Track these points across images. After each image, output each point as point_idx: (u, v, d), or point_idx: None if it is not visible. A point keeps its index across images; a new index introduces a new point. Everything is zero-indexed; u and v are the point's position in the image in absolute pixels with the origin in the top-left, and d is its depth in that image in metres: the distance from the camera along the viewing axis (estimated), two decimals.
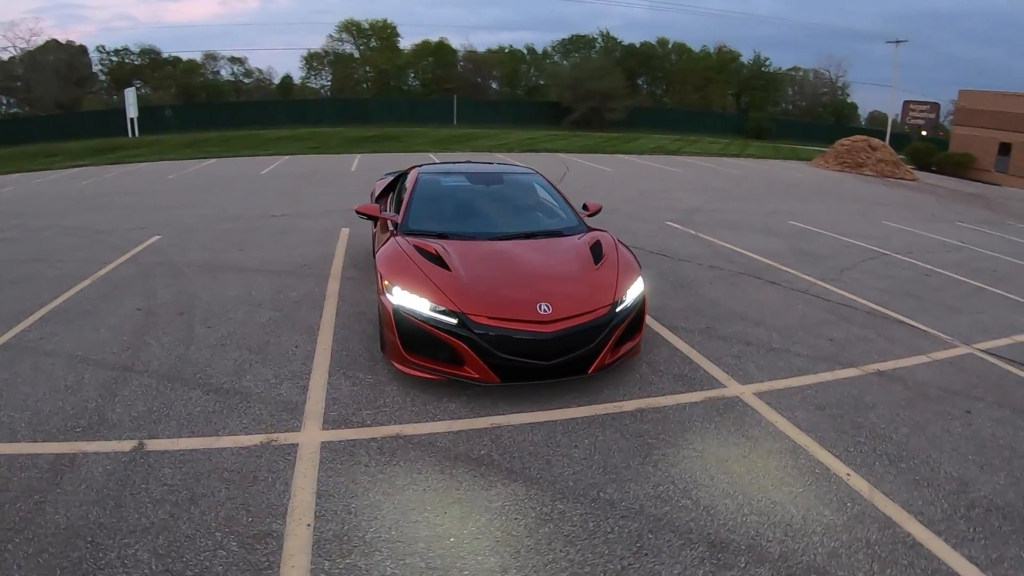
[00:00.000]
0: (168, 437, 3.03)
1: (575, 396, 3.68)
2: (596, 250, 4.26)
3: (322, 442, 3.05)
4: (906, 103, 29.62)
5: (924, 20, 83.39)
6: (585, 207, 5.13)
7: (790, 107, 54.68)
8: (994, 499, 2.97)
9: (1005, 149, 25.99)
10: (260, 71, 51.22)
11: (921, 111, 28.89)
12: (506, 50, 53.87)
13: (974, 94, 28.26)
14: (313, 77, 51.97)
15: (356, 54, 50.86)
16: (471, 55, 51.08)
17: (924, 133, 28.98)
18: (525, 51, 55.15)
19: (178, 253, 6.73)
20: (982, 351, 4.85)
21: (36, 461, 2.82)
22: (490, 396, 3.59)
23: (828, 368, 4.38)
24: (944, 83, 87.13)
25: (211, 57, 48.80)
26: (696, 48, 53.29)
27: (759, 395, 3.91)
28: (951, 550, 2.58)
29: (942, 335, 5.15)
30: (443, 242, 4.11)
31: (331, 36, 49.89)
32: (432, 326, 3.46)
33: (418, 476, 2.84)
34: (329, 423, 3.23)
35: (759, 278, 6.63)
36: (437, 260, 3.83)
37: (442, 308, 3.48)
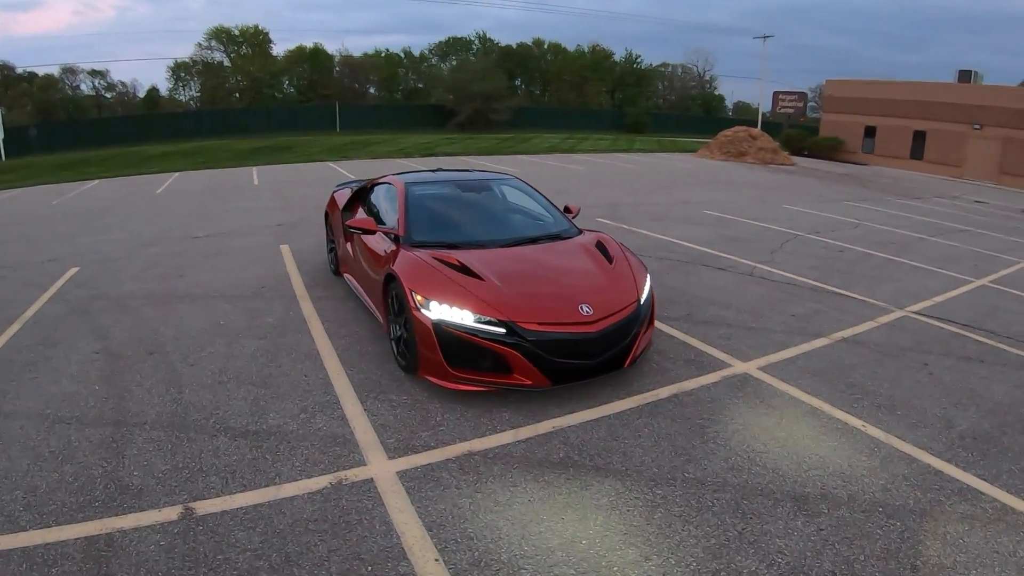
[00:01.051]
0: (217, 496, 2.71)
1: (611, 391, 3.84)
2: (603, 250, 4.47)
3: (397, 472, 2.93)
4: (776, 94, 33.37)
5: (780, 15, 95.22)
6: (567, 209, 5.30)
7: (660, 101, 58.95)
8: (975, 430, 3.61)
9: (870, 132, 30.48)
10: (123, 84, 47.84)
11: (790, 100, 32.74)
12: (383, 54, 53.50)
13: (840, 83, 32.79)
14: (181, 88, 48.91)
15: (227, 62, 48.24)
16: (347, 60, 50.09)
17: (802, 120, 32.81)
18: (402, 54, 55.32)
19: (109, 285, 5.93)
20: (913, 313, 5.75)
21: (64, 551, 2.38)
22: (535, 401, 3.64)
23: (804, 340, 4.95)
24: (801, 72, 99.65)
25: (69, 71, 44.65)
26: (571, 48, 56.29)
27: (763, 370, 4.34)
28: (963, 472, 3.16)
29: (878, 302, 6.01)
30: (457, 252, 4.07)
31: (200, 44, 47.63)
32: (480, 337, 3.44)
33: (516, 489, 2.84)
34: (393, 451, 3.09)
35: (706, 265, 7.24)
36: (464, 270, 3.80)
37: (488, 318, 3.47)
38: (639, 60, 57.33)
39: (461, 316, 3.49)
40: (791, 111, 33.63)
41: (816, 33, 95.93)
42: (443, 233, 4.45)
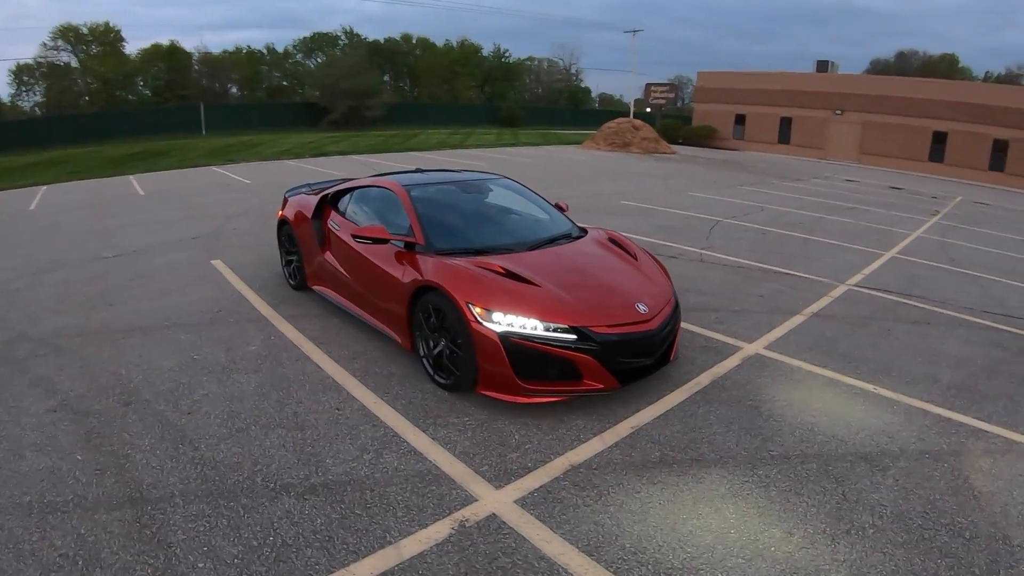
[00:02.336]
0: (330, 572, 2.28)
1: (657, 385, 3.92)
2: (621, 246, 4.52)
3: (515, 501, 2.71)
4: (648, 85, 35.66)
5: (638, 10, 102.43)
6: (559, 207, 5.25)
7: (527, 95, 61.06)
8: (955, 382, 4.26)
9: (740, 119, 33.94)
10: None
11: (662, 92, 35.19)
12: (244, 51, 49.83)
13: (711, 75, 36.01)
14: (25, 93, 42.70)
15: (75, 63, 42.59)
16: (207, 58, 45.81)
17: (663, 109, 35.14)
18: (265, 51, 51.98)
19: (25, 323, 4.80)
20: (855, 286, 6.53)
21: None
22: (597, 404, 3.61)
23: (784, 318, 5.41)
24: (660, 65, 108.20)
25: None
26: (439, 43, 56.48)
27: (768, 348, 4.69)
28: (966, 416, 3.75)
29: (821, 279, 6.74)
30: (492, 258, 3.87)
31: (45, 44, 41.95)
32: (551, 346, 3.30)
33: (641, 495, 2.80)
34: (495, 479, 2.86)
35: (659, 254, 7.60)
36: (513, 277, 3.62)
37: (558, 325, 3.34)
38: (507, 54, 59.36)
39: (529, 325, 3.32)
40: (663, 102, 36.18)
41: (673, 27, 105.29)
42: (465, 238, 4.20)
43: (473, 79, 56.14)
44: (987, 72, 52.16)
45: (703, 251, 7.85)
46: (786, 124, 32.05)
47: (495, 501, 2.70)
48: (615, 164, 20.71)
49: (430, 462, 2.97)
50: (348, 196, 5.06)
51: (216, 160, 16.35)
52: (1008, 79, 46.86)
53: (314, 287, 5.25)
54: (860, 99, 29.19)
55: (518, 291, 3.49)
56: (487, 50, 59.03)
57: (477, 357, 3.38)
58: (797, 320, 5.39)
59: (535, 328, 3.31)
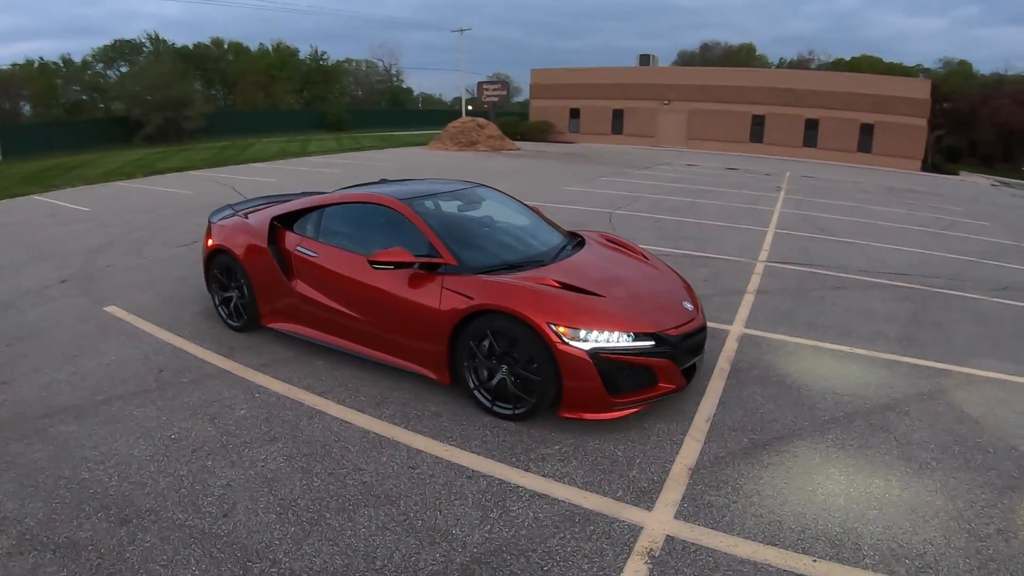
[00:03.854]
0: None
1: (704, 372, 4.08)
2: (624, 247, 4.59)
3: (673, 517, 2.65)
4: (480, 84, 36.27)
5: (453, 9, 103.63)
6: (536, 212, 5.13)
7: (347, 99, 59.69)
8: (899, 335, 5.08)
9: (575, 113, 35.86)
10: None
11: (494, 89, 35.91)
12: (36, 64, 42.78)
13: (544, 71, 37.61)
14: None
15: None
16: None
17: (485, 107, 35.86)
18: (61, 63, 44.99)
19: None
20: (768, 262, 7.40)
21: None
22: (662, 408, 3.63)
23: (737, 298, 5.98)
24: (478, 63, 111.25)
25: None
26: (253, 46, 53.38)
27: (748, 327, 5.19)
28: (927, 361, 4.55)
29: (739, 258, 7.54)
30: (534, 272, 3.67)
31: None
32: (634, 355, 3.22)
33: (763, 480, 2.94)
34: (638, 501, 2.74)
35: None
36: (576, 289, 3.47)
37: (639, 333, 3.27)
38: (325, 56, 58.09)
39: (614, 339, 3.20)
40: (496, 99, 37.12)
41: (488, 26, 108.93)
42: (493, 253, 3.89)
43: (292, 84, 53.52)
44: (781, 59, 61.60)
45: None
46: (618, 116, 35.12)
47: (658, 522, 2.59)
48: (471, 164, 20.76)
49: (563, 502, 2.70)
50: (315, 215, 4.37)
51: (35, 188, 12.85)
52: (800, 64, 56.06)
53: (273, 325, 4.48)
54: (685, 89, 33.14)
55: (590, 305, 3.35)
56: (304, 53, 57.01)
57: (563, 379, 3.16)
58: (748, 298, 5.95)
59: (619, 340, 3.21)
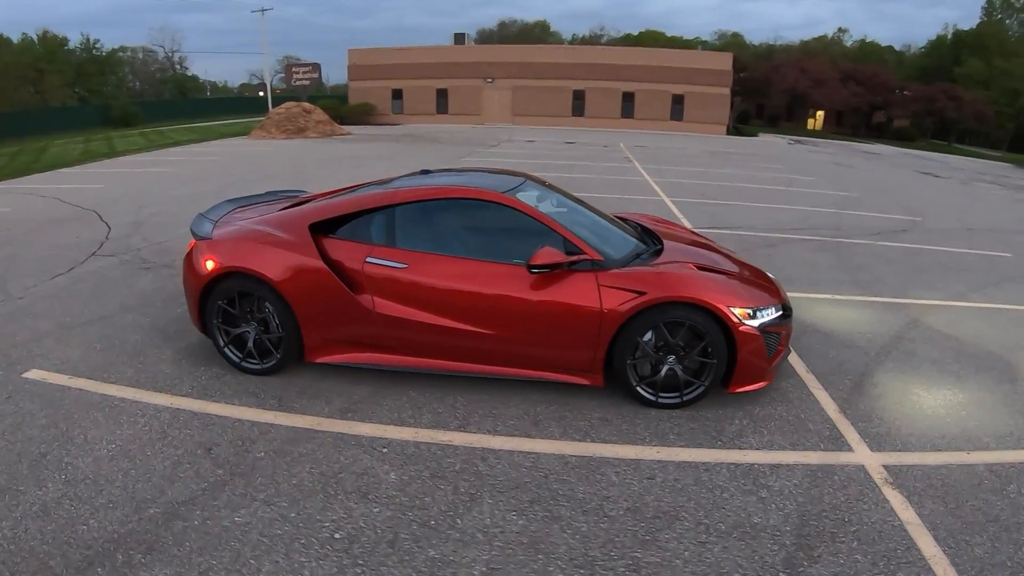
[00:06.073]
0: None
1: None
2: (668, 224, 5.17)
3: (871, 451, 3.21)
4: (289, 66, 33.68)
5: None
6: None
7: (125, 90, 54.06)
8: (847, 279, 6.38)
9: (398, 94, 34.73)
10: None
11: (305, 72, 33.36)
12: None
13: (363, 51, 35.78)
14: None
15: None
16: None
17: (277, 91, 33.45)
18: None
19: None
20: (699, 228, 8.42)
21: None
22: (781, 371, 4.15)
23: None
24: (269, 44, 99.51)
25: None
26: (15, 38, 46.77)
27: None
28: (886, 298, 5.77)
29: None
30: (663, 259, 3.87)
31: None
32: (776, 326, 3.67)
33: (908, 397, 3.67)
34: (873, 445, 3.19)
35: None
36: (711, 271, 3.78)
37: (779, 304, 3.74)
38: (99, 45, 52.68)
39: (771, 312, 3.61)
40: (307, 83, 34.79)
41: (274, 6, 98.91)
42: (616, 245, 3.94)
43: (63, 77, 46.52)
44: (574, 35, 66.97)
45: None
46: (443, 95, 35.28)
47: (867, 458, 3.19)
48: (315, 152, 19.19)
49: (798, 466, 3.07)
50: (380, 217, 3.85)
51: None
52: (592, 40, 61.11)
53: (327, 359, 3.89)
54: (508, 67, 34.43)
55: (740, 284, 3.70)
56: (75, 42, 51.40)
57: (739, 357, 3.47)
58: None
59: (772, 313, 3.62)
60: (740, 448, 3.26)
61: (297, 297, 3.76)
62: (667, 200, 10.85)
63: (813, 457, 3.18)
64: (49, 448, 3.14)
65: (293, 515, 2.69)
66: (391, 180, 4.47)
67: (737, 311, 3.46)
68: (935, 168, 22.73)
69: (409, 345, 3.77)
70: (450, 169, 4.93)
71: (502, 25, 64.20)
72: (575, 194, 5.03)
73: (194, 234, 4.12)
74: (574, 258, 3.54)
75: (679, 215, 9.41)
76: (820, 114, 46.07)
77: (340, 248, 3.81)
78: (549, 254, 3.45)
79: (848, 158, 23.71)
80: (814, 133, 42.24)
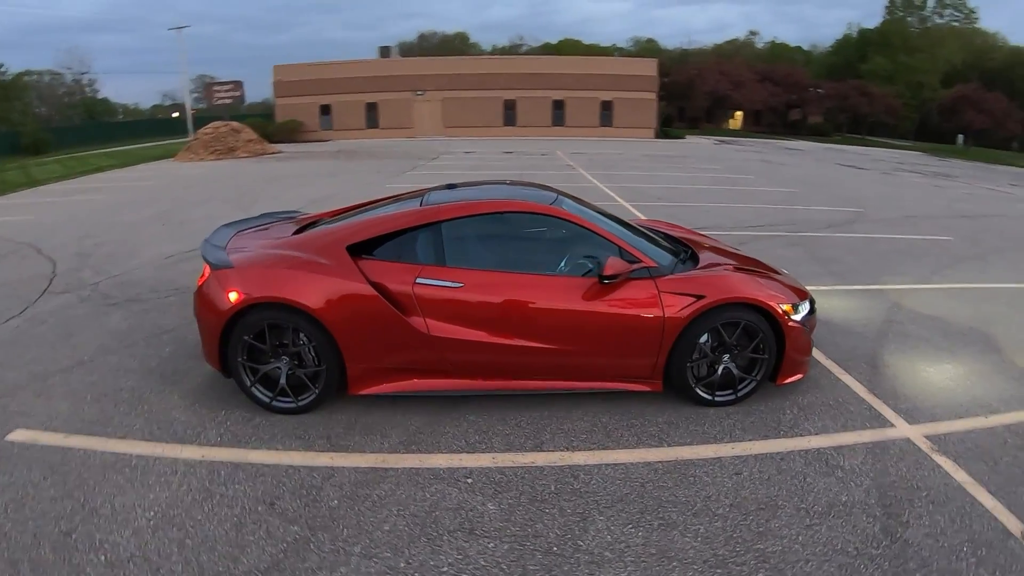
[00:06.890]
0: None
1: None
2: (681, 229, 5.52)
3: (909, 424, 3.63)
4: (209, 85, 32.28)
5: (136, 6, 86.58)
6: None
7: (30, 116, 49.43)
8: (828, 270, 7.01)
9: (326, 110, 33.91)
10: None
11: (227, 91, 32.22)
12: None
13: (288, 67, 34.82)
14: None
15: None
16: None
17: (194, 112, 32.14)
18: None
19: None
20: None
21: None
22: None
23: None
24: (178, 62, 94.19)
25: None
26: None
27: None
28: (867, 285, 6.44)
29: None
30: (706, 263, 4.17)
31: None
32: (808, 320, 4.06)
33: (921, 373, 4.17)
34: (883, 424, 3.61)
35: None
36: (747, 271, 4.10)
37: (810, 300, 4.16)
38: (3, 70, 48.18)
39: (806, 307, 4.01)
40: (229, 101, 33.69)
41: (179, 22, 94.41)
42: (661, 252, 4.16)
43: None
44: (494, 46, 67.45)
45: None
46: (372, 109, 34.93)
47: (909, 430, 3.55)
48: (249, 171, 18.57)
49: (860, 446, 3.42)
50: (425, 236, 3.79)
51: None
52: (513, 50, 62.02)
53: (373, 391, 3.73)
54: (437, 79, 34.55)
55: (779, 284, 4.03)
56: None
57: (788, 351, 3.81)
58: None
59: (806, 308, 4.01)
60: (802, 435, 3.58)
61: (340, 326, 3.57)
62: (627, 205, 11.33)
63: (866, 436, 3.56)
64: (72, 524, 2.73)
65: (403, 565, 2.53)
66: (422, 195, 4.39)
67: (785, 308, 3.81)
68: (856, 160, 24.93)
69: (466, 367, 3.73)
70: (473, 183, 4.94)
71: (422, 37, 64.62)
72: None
73: (209, 263, 3.84)
74: (635, 267, 3.71)
75: (656, 216, 9.87)
76: (739, 114, 49.32)
77: (382, 270, 3.67)
78: (617, 264, 3.61)
79: (775, 155, 25.57)
80: (735, 133, 45.18)
